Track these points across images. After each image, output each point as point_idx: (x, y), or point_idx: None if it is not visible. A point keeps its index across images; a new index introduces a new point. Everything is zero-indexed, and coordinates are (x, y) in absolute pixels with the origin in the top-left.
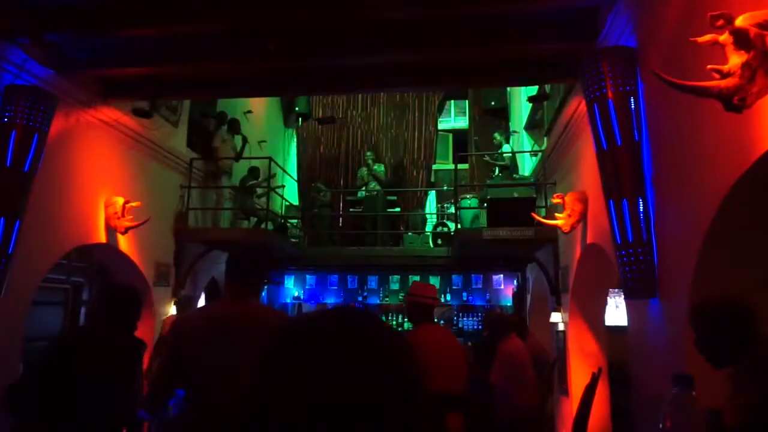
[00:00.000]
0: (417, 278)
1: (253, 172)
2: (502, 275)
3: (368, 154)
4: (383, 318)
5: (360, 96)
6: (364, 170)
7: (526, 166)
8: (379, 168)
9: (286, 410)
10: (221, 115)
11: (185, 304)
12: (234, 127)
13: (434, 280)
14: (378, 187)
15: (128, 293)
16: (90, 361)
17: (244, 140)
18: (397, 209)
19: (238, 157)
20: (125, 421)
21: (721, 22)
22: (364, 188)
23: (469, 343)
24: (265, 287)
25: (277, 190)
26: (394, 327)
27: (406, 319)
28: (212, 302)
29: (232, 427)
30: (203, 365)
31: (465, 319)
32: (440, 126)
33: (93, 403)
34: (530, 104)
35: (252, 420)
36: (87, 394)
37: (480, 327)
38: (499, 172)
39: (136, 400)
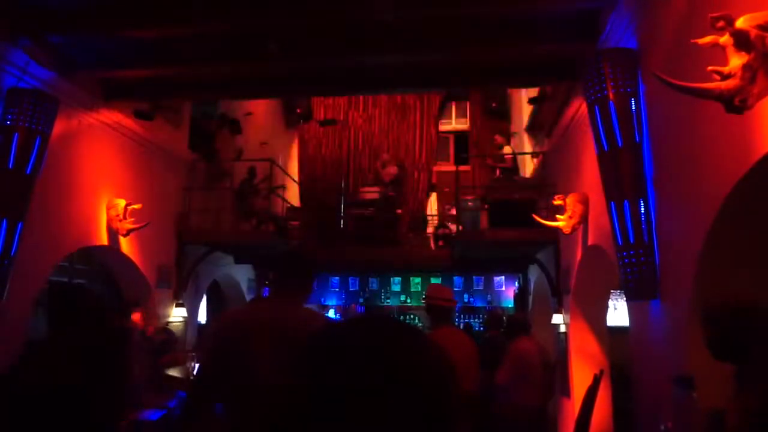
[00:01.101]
0: (418, 280)
1: (251, 173)
2: (503, 277)
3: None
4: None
5: (361, 97)
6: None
7: (528, 167)
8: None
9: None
10: (222, 117)
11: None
12: (234, 128)
13: (435, 282)
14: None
15: (68, 291)
16: (45, 374)
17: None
18: (399, 210)
19: (238, 158)
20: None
21: (721, 23)
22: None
23: None
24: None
25: (278, 191)
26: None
27: (408, 321)
28: (257, 300)
29: (264, 428)
30: (241, 364)
31: (466, 320)
32: (441, 127)
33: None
34: (531, 105)
35: (284, 422)
36: (52, 410)
37: (482, 328)
38: (501, 173)
39: (126, 400)
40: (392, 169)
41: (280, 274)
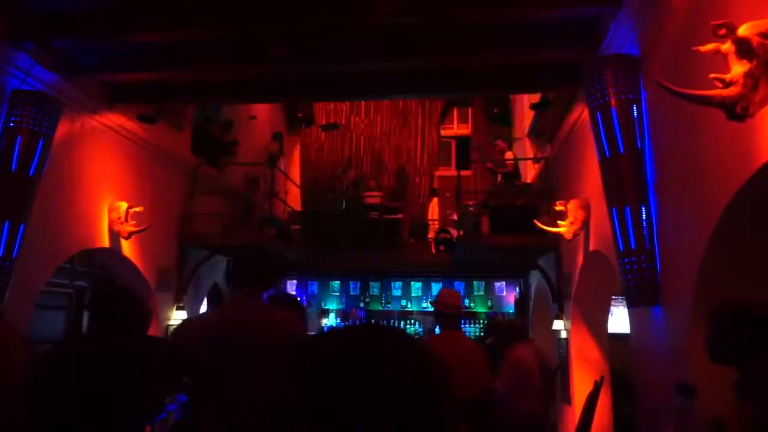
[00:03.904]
0: (419, 285)
1: (254, 180)
2: (504, 282)
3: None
4: (386, 324)
5: (363, 103)
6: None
7: (529, 173)
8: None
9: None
10: (226, 121)
11: None
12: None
13: (436, 287)
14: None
15: (121, 290)
16: (84, 371)
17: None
18: (400, 215)
19: (231, 157)
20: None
21: (723, 31)
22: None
23: None
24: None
25: (279, 195)
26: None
27: (408, 325)
28: (220, 307)
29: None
30: (212, 369)
31: (467, 326)
32: (443, 132)
33: (98, 416)
34: (533, 111)
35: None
36: (88, 408)
37: (482, 334)
38: (502, 179)
39: (155, 407)
40: (352, 174)
41: (234, 280)
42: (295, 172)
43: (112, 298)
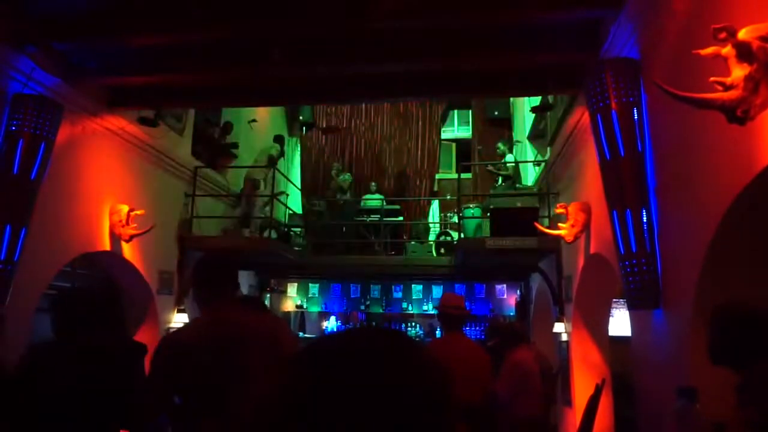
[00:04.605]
0: (420, 287)
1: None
2: (505, 285)
3: (335, 165)
4: (386, 327)
5: (364, 105)
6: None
7: (530, 175)
8: (345, 178)
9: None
10: (226, 123)
11: None
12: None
13: (437, 290)
14: (346, 197)
15: (106, 292)
16: (70, 375)
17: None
18: (401, 218)
19: (229, 162)
20: None
21: (723, 34)
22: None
23: None
24: (267, 295)
25: (279, 198)
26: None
27: (409, 328)
28: (203, 315)
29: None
30: (214, 372)
31: (468, 329)
32: (443, 135)
33: (82, 422)
34: (533, 114)
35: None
36: (70, 413)
37: (483, 337)
38: (502, 181)
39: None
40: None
41: (209, 285)
42: (296, 175)
43: (76, 302)
